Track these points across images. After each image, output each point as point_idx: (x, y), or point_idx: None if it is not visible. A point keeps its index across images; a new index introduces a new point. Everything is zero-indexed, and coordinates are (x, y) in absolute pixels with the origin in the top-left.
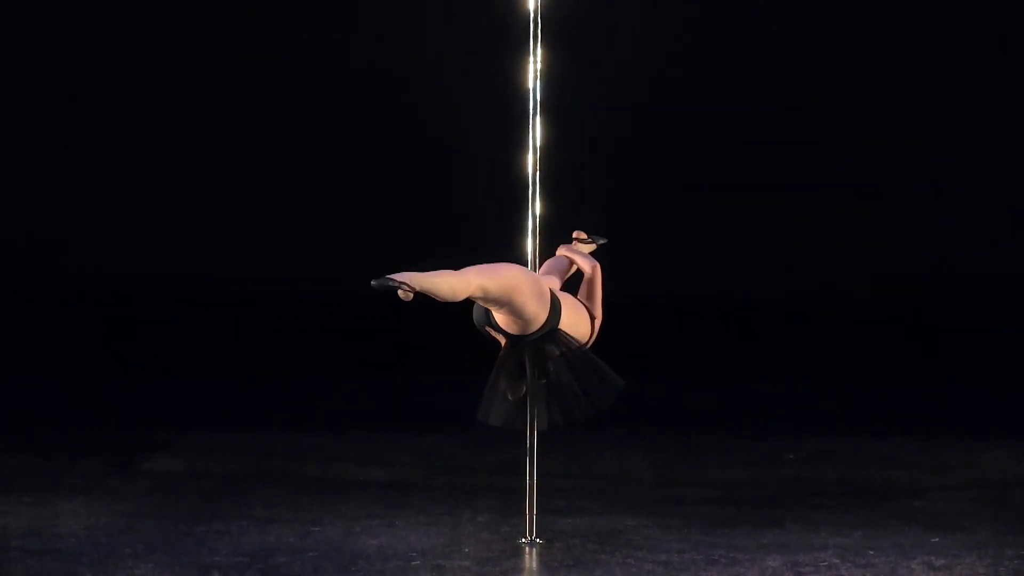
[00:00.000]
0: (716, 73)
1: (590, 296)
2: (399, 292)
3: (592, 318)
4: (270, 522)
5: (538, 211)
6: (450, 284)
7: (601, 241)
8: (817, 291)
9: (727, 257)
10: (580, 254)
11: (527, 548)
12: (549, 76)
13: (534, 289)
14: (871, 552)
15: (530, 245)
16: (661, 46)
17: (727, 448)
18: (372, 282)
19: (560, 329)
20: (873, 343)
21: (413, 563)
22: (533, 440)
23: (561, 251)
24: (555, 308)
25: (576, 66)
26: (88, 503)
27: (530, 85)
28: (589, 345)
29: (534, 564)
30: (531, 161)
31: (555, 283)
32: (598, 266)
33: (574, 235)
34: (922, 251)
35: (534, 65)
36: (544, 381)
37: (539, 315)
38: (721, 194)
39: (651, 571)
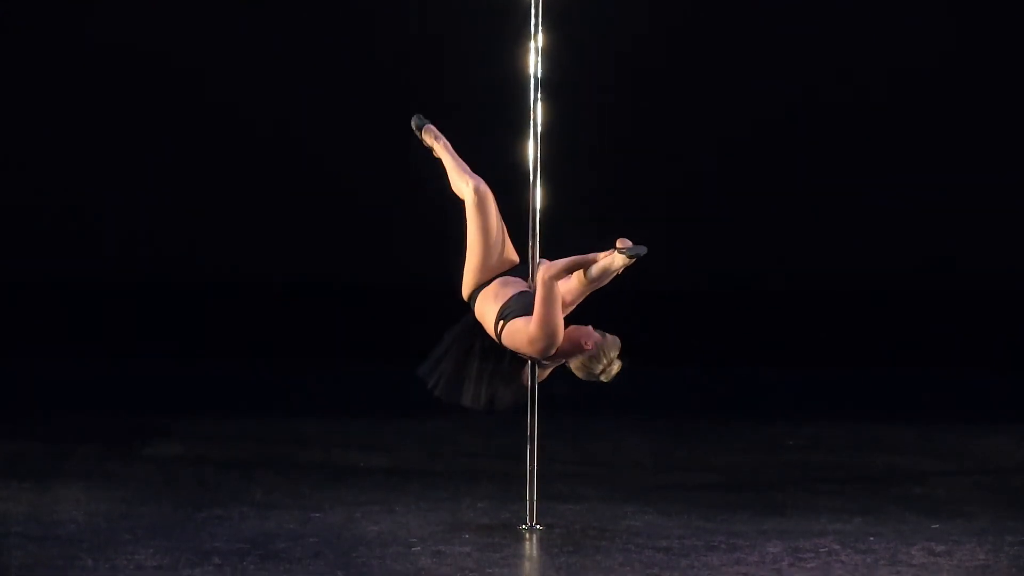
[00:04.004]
0: (716, 65)
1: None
2: (425, 139)
3: (499, 321)
4: (270, 508)
5: (538, 203)
6: (453, 171)
7: (638, 252)
8: (818, 276)
9: (727, 243)
10: (571, 263)
11: (527, 534)
12: (550, 60)
13: (480, 251)
14: (871, 538)
15: (530, 240)
16: (663, 32)
17: (727, 434)
18: (413, 119)
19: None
20: (874, 328)
21: (413, 549)
22: (533, 426)
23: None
24: (476, 291)
25: (578, 49)
26: (88, 489)
27: (531, 70)
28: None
29: (534, 550)
30: (532, 148)
31: (545, 272)
32: (542, 280)
33: (617, 243)
34: (923, 238)
35: (535, 44)
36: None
37: (466, 287)
38: (722, 180)
39: (651, 557)
